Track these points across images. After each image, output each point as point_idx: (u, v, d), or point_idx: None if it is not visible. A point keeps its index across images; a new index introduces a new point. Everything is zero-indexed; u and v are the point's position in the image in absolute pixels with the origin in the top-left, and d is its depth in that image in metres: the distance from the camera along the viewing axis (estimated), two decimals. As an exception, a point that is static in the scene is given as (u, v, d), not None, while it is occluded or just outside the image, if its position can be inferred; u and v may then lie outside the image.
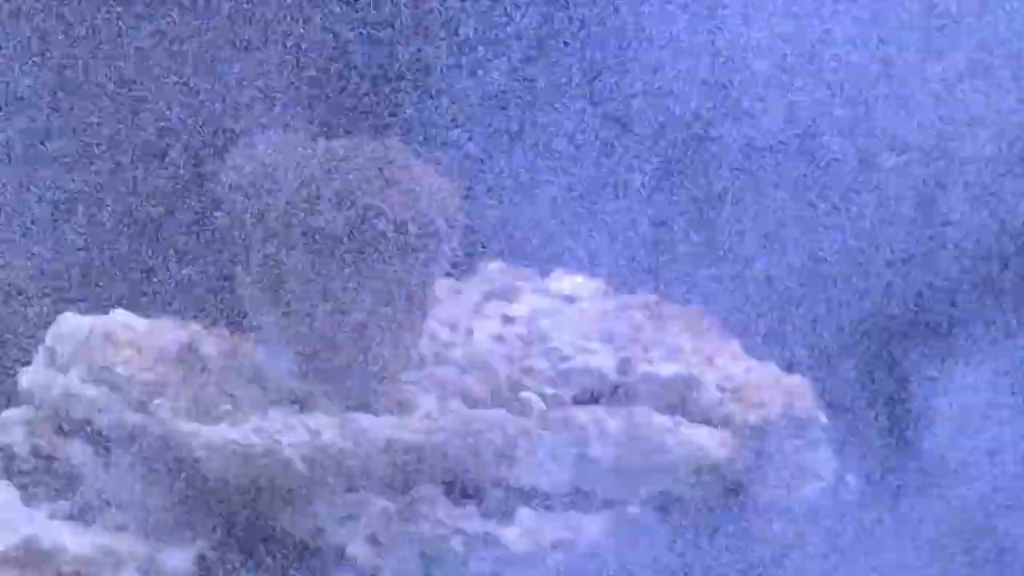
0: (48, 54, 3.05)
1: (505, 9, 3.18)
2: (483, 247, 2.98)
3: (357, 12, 3.16)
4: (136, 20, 3.07)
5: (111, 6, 3.06)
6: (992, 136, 3.13)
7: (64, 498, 2.59)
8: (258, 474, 2.49)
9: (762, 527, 2.71)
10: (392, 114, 3.15)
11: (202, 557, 2.49)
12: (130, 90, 3.09)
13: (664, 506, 2.63)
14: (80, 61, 3.07)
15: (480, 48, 3.18)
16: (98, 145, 3.07)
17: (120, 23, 3.06)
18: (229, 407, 2.56)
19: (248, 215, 2.61)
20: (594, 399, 2.71)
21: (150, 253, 3.08)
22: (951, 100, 3.13)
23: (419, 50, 3.17)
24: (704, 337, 2.85)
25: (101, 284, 3.02)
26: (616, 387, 2.72)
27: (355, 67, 3.16)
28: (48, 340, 2.72)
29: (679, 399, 2.72)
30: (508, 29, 3.18)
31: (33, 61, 3.05)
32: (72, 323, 2.71)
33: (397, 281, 2.59)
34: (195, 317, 2.77)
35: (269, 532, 2.52)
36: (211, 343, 2.68)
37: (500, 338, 2.79)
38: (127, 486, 2.55)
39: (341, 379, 2.62)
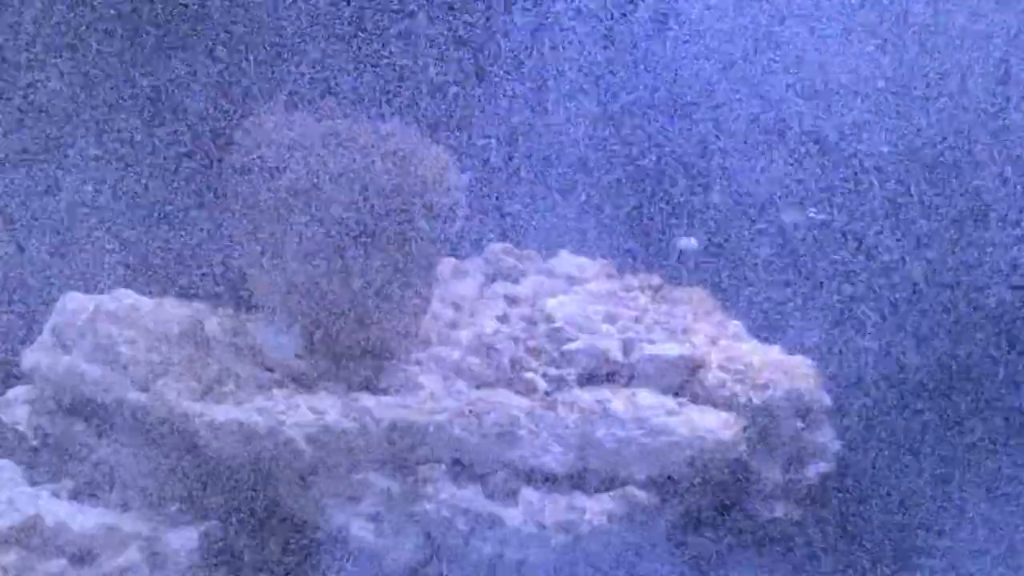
0: (63, 41, 3.06)
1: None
2: (487, 228, 2.98)
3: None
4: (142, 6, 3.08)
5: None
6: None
7: (68, 477, 2.60)
8: (261, 454, 2.50)
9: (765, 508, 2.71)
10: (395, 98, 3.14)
11: (205, 536, 2.50)
12: (138, 74, 3.09)
13: (668, 487, 2.63)
14: (91, 53, 3.07)
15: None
16: (103, 126, 3.07)
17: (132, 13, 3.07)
18: (233, 387, 2.57)
19: (252, 194, 2.61)
20: (598, 380, 2.71)
21: (154, 232, 3.08)
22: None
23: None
24: (707, 318, 2.86)
25: (105, 263, 3.02)
26: (620, 368, 2.72)
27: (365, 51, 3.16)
28: (52, 319, 2.72)
29: (683, 380, 2.72)
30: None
31: (48, 49, 3.05)
32: (76, 302, 2.72)
33: (401, 261, 2.59)
34: (199, 297, 2.77)
35: (272, 512, 2.52)
36: (215, 323, 2.68)
37: (504, 319, 2.79)
38: (130, 465, 2.55)
39: (345, 359, 2.63)
